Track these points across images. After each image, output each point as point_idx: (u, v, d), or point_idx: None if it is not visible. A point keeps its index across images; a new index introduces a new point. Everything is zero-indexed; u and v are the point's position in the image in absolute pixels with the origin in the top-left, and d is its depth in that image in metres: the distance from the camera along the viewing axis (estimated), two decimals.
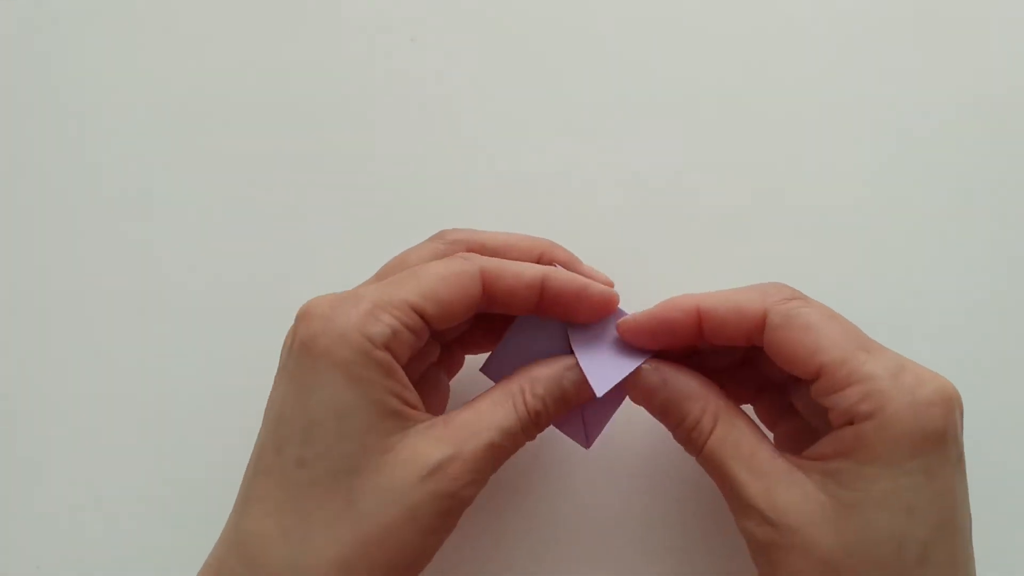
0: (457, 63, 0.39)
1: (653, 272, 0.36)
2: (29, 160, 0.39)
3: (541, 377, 0.29)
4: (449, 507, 0.27)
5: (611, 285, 0.32)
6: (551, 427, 0.31)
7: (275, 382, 0.29)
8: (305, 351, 0.27)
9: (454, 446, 0.27)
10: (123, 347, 0.37)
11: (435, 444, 0.27)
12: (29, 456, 0.36)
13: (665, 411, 0.29)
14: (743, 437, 0.28)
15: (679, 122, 0.38)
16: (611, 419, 0.31)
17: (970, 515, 0.28)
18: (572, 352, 0.30)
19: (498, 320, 0.32)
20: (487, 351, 0.33)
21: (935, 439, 0.26)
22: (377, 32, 0.39)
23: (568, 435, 0.31)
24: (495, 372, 0.31)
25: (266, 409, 0.29)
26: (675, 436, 0.30)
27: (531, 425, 0.29)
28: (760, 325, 0.28)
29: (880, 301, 0.37)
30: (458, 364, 0.35)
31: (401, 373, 0.28)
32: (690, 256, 0.37)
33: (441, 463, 0.27)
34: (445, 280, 0.29)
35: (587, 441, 0.31)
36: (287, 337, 0.29)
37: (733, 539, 0.34)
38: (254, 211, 0.38)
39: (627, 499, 0.35)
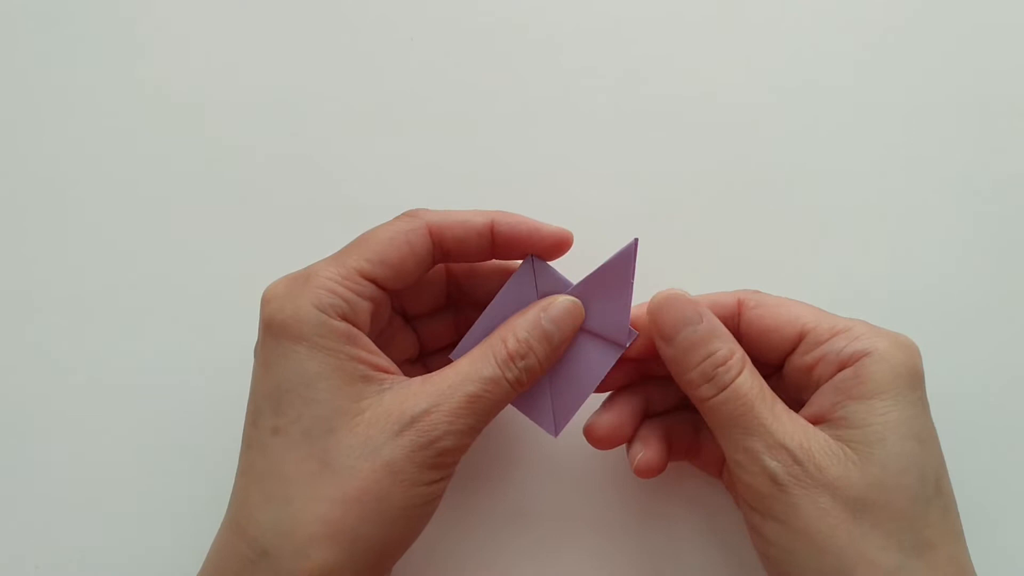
0: (454, 63, 0.39)
1: (648, 272, 0.36)
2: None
3: (520, 323, 0.30)
4: (430, 460, 0.27)
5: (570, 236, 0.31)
6: (524, 417, 0.32)
7: (253, 368, 0.30)
8: (268, 332, 0.28)
9: (431, 399, 0.28)
10: (123, 346, 0.37)
11: (412, 399, 0.28)
12: (28, 456, 0.36)
13: (694, 346, 0.29)
14: (765, 387, 0.29)
15: (677, 123, 0.39)
16: (580, 408, 0.31)
17: None
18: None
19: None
20: None
21: (920, 377, 0.29)
22: (376, 31, 0.39)
23: (537, 423, 0.32)
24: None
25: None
26: (688, 377, 0.29)
27: (519, 372, 0.29)
28: (735, 314, 0.31)
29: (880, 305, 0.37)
30: None
31: (365, 340, 0.29)
32: (684, 258, 0.37)
33: (417, 416, 0.27)
34: (393, 242, 0.30)
35: (555, 430, 0.32)
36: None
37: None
38: (256, 210, 0.38)
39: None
